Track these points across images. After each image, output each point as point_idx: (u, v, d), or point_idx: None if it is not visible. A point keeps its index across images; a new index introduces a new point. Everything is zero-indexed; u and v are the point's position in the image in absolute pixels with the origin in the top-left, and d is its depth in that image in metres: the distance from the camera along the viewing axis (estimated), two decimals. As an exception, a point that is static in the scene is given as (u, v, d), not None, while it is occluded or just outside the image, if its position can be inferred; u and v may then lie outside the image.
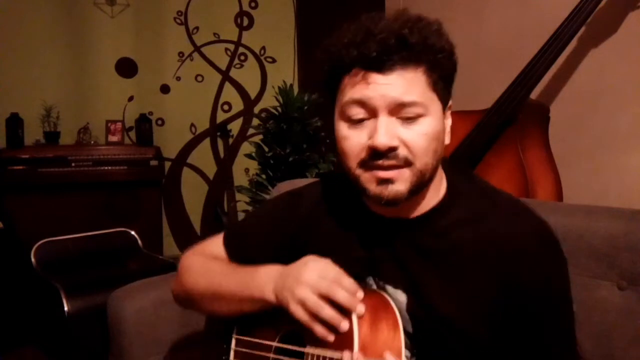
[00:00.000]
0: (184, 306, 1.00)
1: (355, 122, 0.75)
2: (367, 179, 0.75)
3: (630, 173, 1.56)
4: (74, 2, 3.07)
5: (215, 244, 0.99)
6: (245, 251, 0.95)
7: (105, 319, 1.36)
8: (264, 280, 0.82)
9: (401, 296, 0.80)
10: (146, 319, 1.32)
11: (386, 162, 0.73)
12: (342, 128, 0.77)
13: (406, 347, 0.79)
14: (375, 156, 0.73)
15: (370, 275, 0.84)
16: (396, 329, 0.75)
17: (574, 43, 1.58)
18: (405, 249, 0.81)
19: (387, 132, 0.72)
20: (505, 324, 0.75)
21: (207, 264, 0.95)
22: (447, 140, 0.80)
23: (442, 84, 0.75)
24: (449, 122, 0.80)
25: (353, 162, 0.76)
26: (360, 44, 0.72)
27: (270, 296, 0.80)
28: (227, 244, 0.98)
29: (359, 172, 0.76)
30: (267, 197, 2.38)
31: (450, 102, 0.80)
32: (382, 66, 0.71)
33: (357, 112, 0.74)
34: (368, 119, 0.74)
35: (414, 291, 0.80)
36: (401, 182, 0.73)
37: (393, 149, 0.72)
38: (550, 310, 0.75)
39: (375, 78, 0.72)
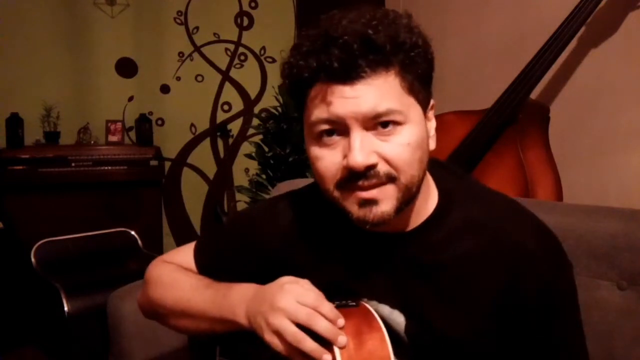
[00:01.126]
0: (150, 318, 0.92)
1: (326, 140, 0.68)
2: (348, 199, 0.68)
3: (630, 173, 1.56)
4: (74, 2, 3.07)
5: (186, 255, 0.91)
6: (217, 271, 0.87)
7: (105, 319, 1.36)
8: (237, 300, 0.74)
9: (399, 317, 0.75)
10: (146, 319, 1.31)
11: (366, 183, 0.65)
12: (314, 148, 0.70)
13: None
14: (353, 177, 0.66)
15: (363, 296, 0.77)
16: (384, 348, 0.69)
17: (574, 43, 1.58)
18: (399, 266, 0.75)
19: (362, 149, 0.64)
20: (508, 336, 0.71)
21: (177, 275, 0.86)
22: (432, 146, 0.73)
23: (419, 84, 0.68)
24: (432, 124, 0.73)
25: (330, 184, 0.69)
26: (320, 52, 0.64)
27: (242, 320, 0.72)
28: (198, 261, 0.90)
29: (337, 193, 0.69)
30: (267, 197, 2.38)
31: (432, 102, 0.73)
32: (347, 76, 0.63)
33: (329, 132, 0.67)
34: (339, 135, 0.67)
35: (412, 312, 0.74)
36: (386, 201, 0.66)
37: (371, 167, 0.65)
38: (555, 317, 0.71)
39: (342, 91, 0.64)
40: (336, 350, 0.66)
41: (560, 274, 0.72)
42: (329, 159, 0.68)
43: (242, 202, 2.83)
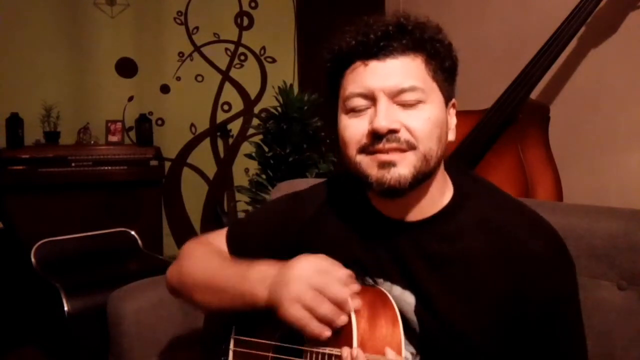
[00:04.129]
0: (174, 294, 0.97)
1: (356, 113, 0.75)
2: (368, 164, 0.74)
3: (630, 173, 1.56)
4: (74, 2, 3.07)
5: (220, 238, 0.99)
6: (246, 253, 0.93)
7: (105, 319, 1.36)
8: (259, 277, 0.79)
9: (409, 297, 0.79)
10: (146, 319, 1.32)
11: (387, 145, 0.72)
12: (344, 119, 0.77)
13: (412, 345, 0.79)
14: (376, 140, 0.72)
15: (377, 277, 0.83)
16: (395, 324, 0.74)
17: (574, 43, 1.58)
18: (411, 252, 0.79)
19: (387, 115, 0.71)
20: (512, 332, 0.74)
21: (208, 254, 0.93)
22: (452, 137, 0.79)
23: (443, 75, 0.76)
24: (453, 120, 0.80)
25: (353, 149, 0.75)
26: (359, 35, 0.74)
27: (263, 293, 0.77)
28: (230, 243, 0.98)
29: (359, 158, 0.75)
30: (267, 197, 2.38)
31: (453, 100, 0.80)
32: (380, 53, 0.73)
33: (359, 104, 0.75)
34: (369, 107, 0.74)
35: (420, 295, 0.78)
36: (404, 165, 0.72)
37: (394, 131, 0.72)
38: (560, 319, 0.74)
39: (375, 66, 0.73)
40: (352, 313, 0.71)
41: (567, 276, 0.75)
42: (355, 126, 0.75)
43: (242, 202, 2.82)
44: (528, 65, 1.46)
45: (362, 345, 0.70)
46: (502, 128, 1.50)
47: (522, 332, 0.73)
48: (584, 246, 0.96)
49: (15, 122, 2.90)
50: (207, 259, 0.92)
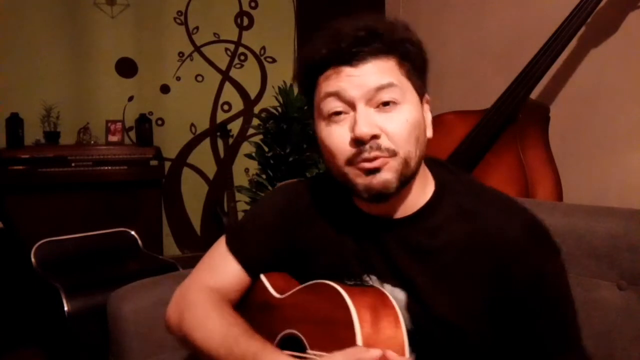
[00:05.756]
0: (174, 336, 0.94)
1: (334, 119, 0.76)
2: (355, 173, 0.75)
3: (630, 173, 1.56)
4: (75, 2, 3.07)
5: (220, 256, 0.94)
6: (247, 253, 0.94)
7: (105, 319, 1.36)
8: None
9: (400, 294, 0.80)
10: (146, 319, 1.31)
11: (372, 153, 0.73)
12: (323, 127, 0.78)
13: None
14: (359, 149, 0.73)
15: (369, 274, 0.84)
16: (397, 325, 0.74)
17: (574, 43, 1.58)
18: (397, 248, 0.81)
19: (366, 121, 0.72)
20: (501, 319, 0.75)
21: (210, 312, 0.86)
22: (429, 134, 0.80)
23: (415, 74, 0.77)
24: (428, 115, 0.81)
25: (340, 160, 0.76)
26: (330, 42, 0.74)
27: None
28: (230, 245, 0.94)
29: (346, 169, 0.76)
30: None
31: (427, 96, 0.81)
32: (353, 58, 0.73)
33: (334, 106, 0.75)
34: (346, 113, 0.75)
35: (410, 290, 0.80)
36: (388, 170, 0.74)
37: (375, 137, 0.73)
38: (545, 303, 0.75)
39: (349, 71, 0.73)
40: (354, 316, 0.72)
41: (548, 258, 0.77)
42: (337, 133, 0.76)
43: (242, 202, 2.83)
44: (528, 65, 1.46)
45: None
46: (502, 128, 1.50)
47: (510, 318, 0.75)
48: (584, 246, 0.96)
49: (15, 122, 2.90)
50: (208, 323, 0.85)
